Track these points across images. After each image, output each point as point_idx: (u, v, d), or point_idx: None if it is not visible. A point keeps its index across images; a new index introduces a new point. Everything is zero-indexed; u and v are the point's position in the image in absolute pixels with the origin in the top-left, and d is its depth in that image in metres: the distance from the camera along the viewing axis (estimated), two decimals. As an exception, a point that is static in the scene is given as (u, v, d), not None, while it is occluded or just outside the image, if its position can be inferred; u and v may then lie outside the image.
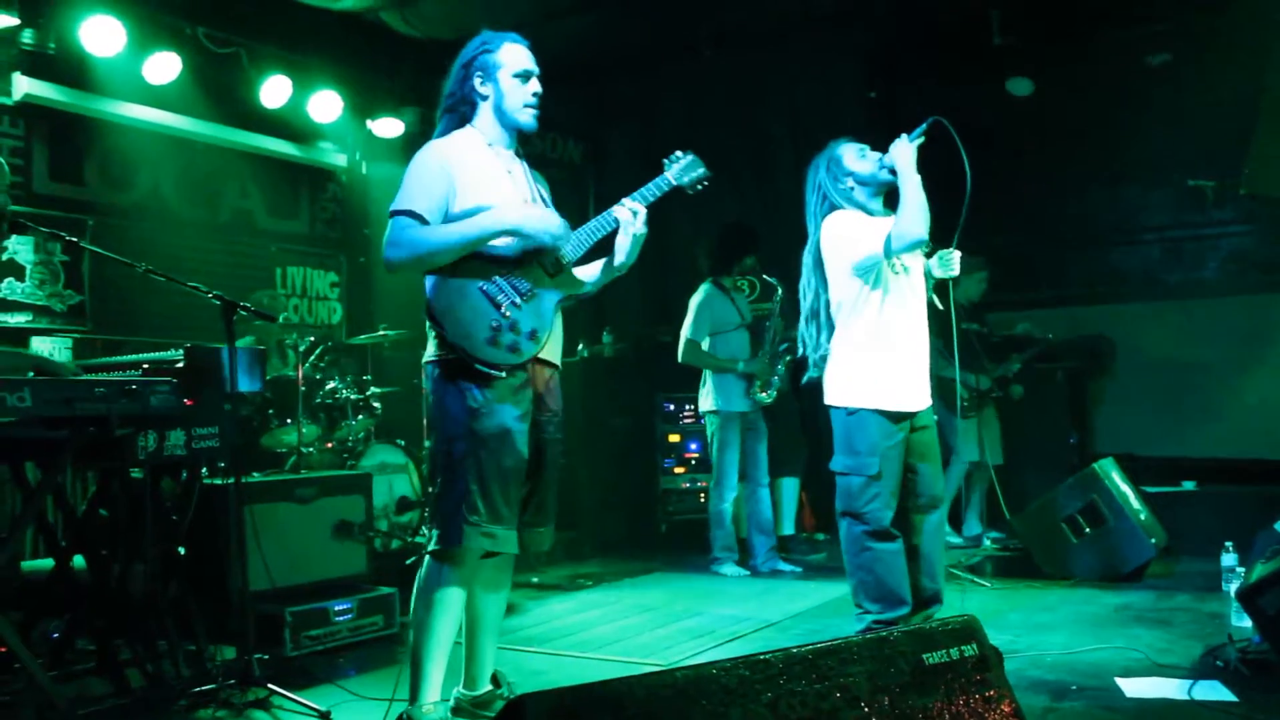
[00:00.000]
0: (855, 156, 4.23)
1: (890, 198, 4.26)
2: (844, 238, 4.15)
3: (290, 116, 7.22)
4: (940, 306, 4.59)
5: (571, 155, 9.06)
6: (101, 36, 6.00)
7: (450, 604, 3.13)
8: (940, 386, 6.91)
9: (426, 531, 3.23)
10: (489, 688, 3.37)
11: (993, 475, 6.72)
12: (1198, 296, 7.65)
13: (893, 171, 4.11)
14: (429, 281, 3.14)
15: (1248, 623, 4.30)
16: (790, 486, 7.14)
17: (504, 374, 3.12)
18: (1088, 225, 8.11)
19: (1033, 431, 7.45)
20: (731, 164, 8.47)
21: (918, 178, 3.98)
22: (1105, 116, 7.57)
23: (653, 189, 3.40)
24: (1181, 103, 7.17)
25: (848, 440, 4.18)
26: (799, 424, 7.03)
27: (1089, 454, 7.26)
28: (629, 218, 3.31)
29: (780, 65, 8.06)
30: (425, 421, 3.22)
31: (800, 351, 4.45)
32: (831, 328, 4.22)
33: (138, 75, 6.34)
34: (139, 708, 3.62)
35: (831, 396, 4.25)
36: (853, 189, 4.22)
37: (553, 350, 3.31)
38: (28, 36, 5.92)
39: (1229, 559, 5.08)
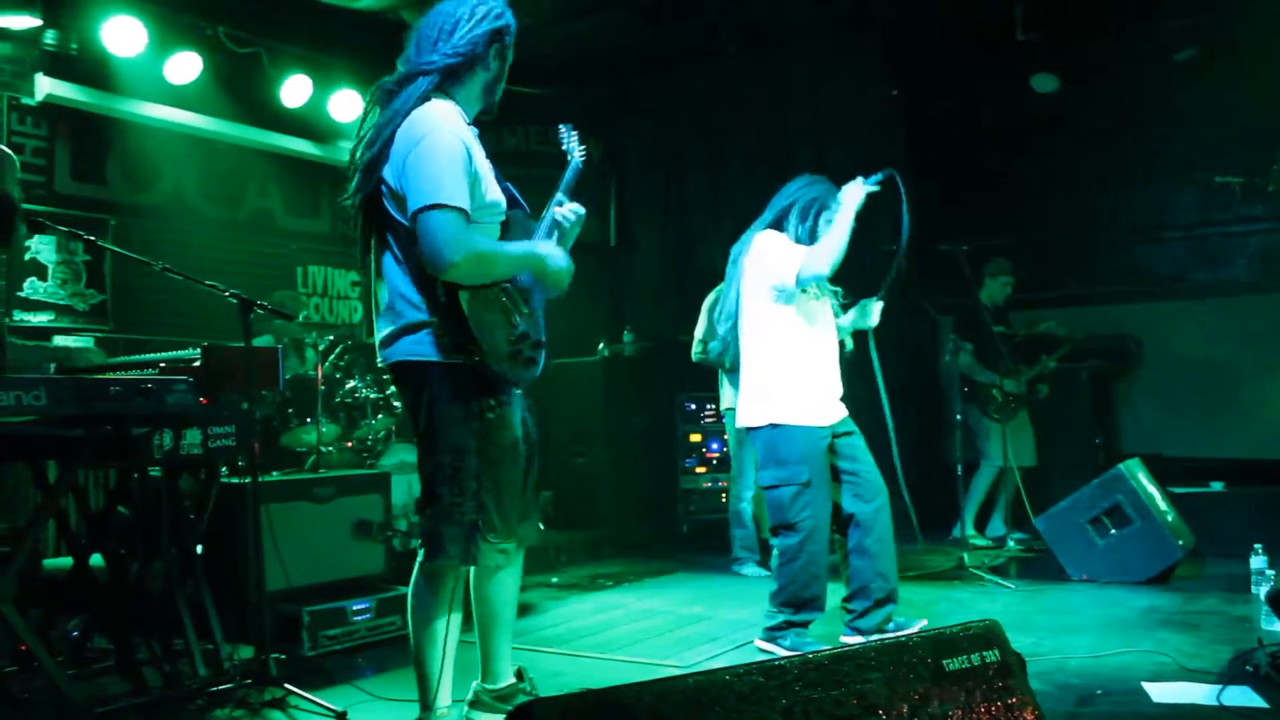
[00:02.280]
0: (828, 220, 4.30)
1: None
2: (769, 260, 4.28)
3: (310, 116, 7.24)
4: (849, 348, 4.71)
5: (591, 154, 9.03)
6: (123, 37, 6.04)
7: (450, 610, 3.06)
8: (975, 390, 6.92)
9: (419, 540, 3.11)
10: (511, 680, 3.30)
11: (1018, 479, 6.67)
12: (1225, 295, 7.57)
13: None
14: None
15: (1278, 626, 4.24)
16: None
17: (519, 388, 3.09)
18: (1114, 223, 8.04)
19: (1058, 432, 7.36)
20: (752, 163, 8.44)
21: (851, 221, 4.16)
22: (1131, 113, 7.49)
23: (573, 177, 3.32)
24: (1208, 99, 7.08)
25: (773, 453, 4.27)
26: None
27: (1115, 454, 7.18)
28: (565, 219, 3.26)
29: (802, 64, 8.02)
30: (425, 424, 3.01)
31: (722, 337, 4.54)
32: (745, 340, 4.36)
33: (159, 75, 6.38)
34: (156, 707, 3.61)
35: (750, 417, 4.35)
36: (813, 235, 4.32)
37: None
38: (50, 37, 5.99)
39: (1258, 561, 5.00)
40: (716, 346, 4.58)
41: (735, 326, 4.45)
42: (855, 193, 4.20)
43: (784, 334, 4.30)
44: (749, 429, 4.41)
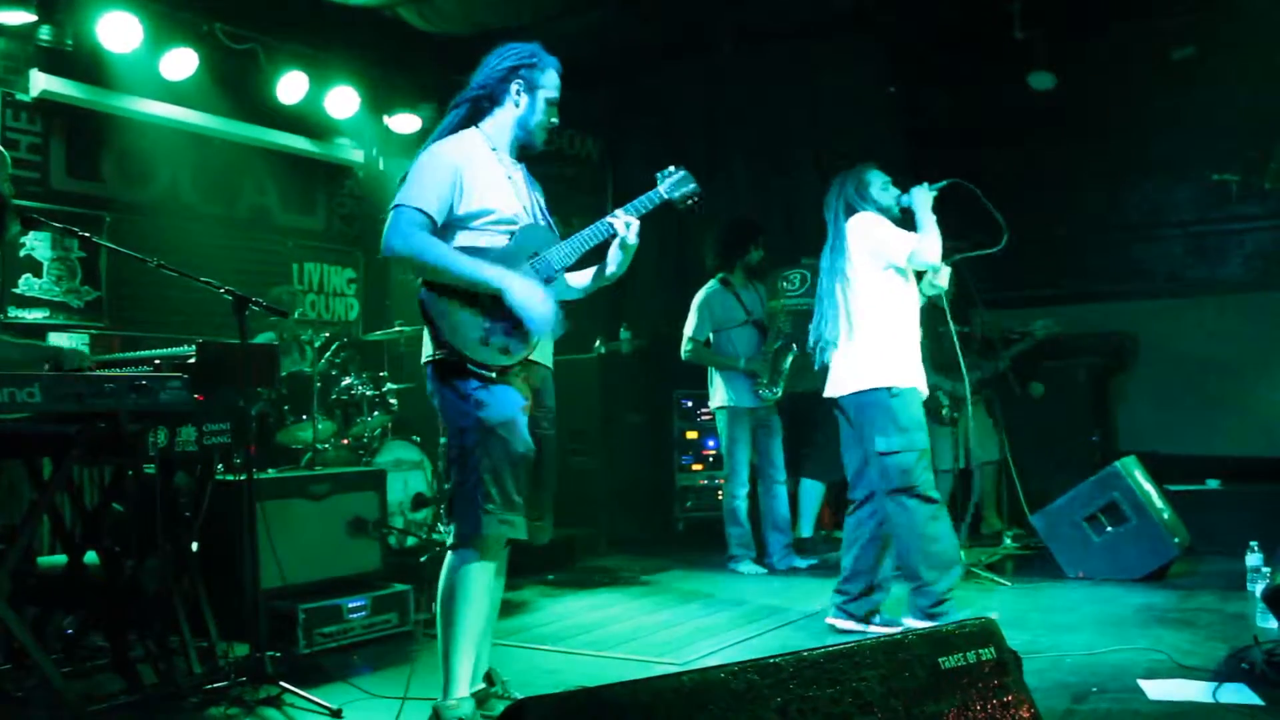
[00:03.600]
0: (880, 188, 4.61)
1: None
2: (879, 233, 4.48)
3: (307, 112, 7.22)
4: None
5: (589, 152, 9.03)
6: (118, 33, 6.01)
7: (475, 596, 3.16)
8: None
9: (443, 529, 3.24)
10: (483, 685, 3.38)
11: (1013, 471, 6.64)
12: (1222, 292, 7.56)
13: (904, 210, 4.54)
14: (423, 282, 3.18)
15: (1273, 624, 4.24)
16: (814, 489, 7.07)
17: (494, 374, 3.16)
18: (1110, 220, 8.03)
19: (1054, 429, 7.36)
20: (751, 160, 8.43)
21: (934, 218, 4.45)
22: (1128, 111, 7.49)
23: (645, 201, 3.44)
24: (1205, 96, 7.08)
25: (893, 419, 4.36)
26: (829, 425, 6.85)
27: (1111, 452, 7.17)
28: (624, 230, 3.34)
29: (800, 62, 8.00)
30: (440, 418, 3.28)
31: (813, 344, 4.63)
32: (851, 318, 4.45)
33: (155, 71, 6.35)
34: (151, 704, 3.61)
35: (860, 381, 4.43)
36: (875, 199, 4.60)
37: (543, 352, 3.35)
38: (45, 33, 5.96)
39: (1254, 559, 5.01)
40: (824, 353, 4.58)
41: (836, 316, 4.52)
42: (924, 197, 4.47)
43: (894, 305, 4.48)
44: (852, 395, 4.46)
